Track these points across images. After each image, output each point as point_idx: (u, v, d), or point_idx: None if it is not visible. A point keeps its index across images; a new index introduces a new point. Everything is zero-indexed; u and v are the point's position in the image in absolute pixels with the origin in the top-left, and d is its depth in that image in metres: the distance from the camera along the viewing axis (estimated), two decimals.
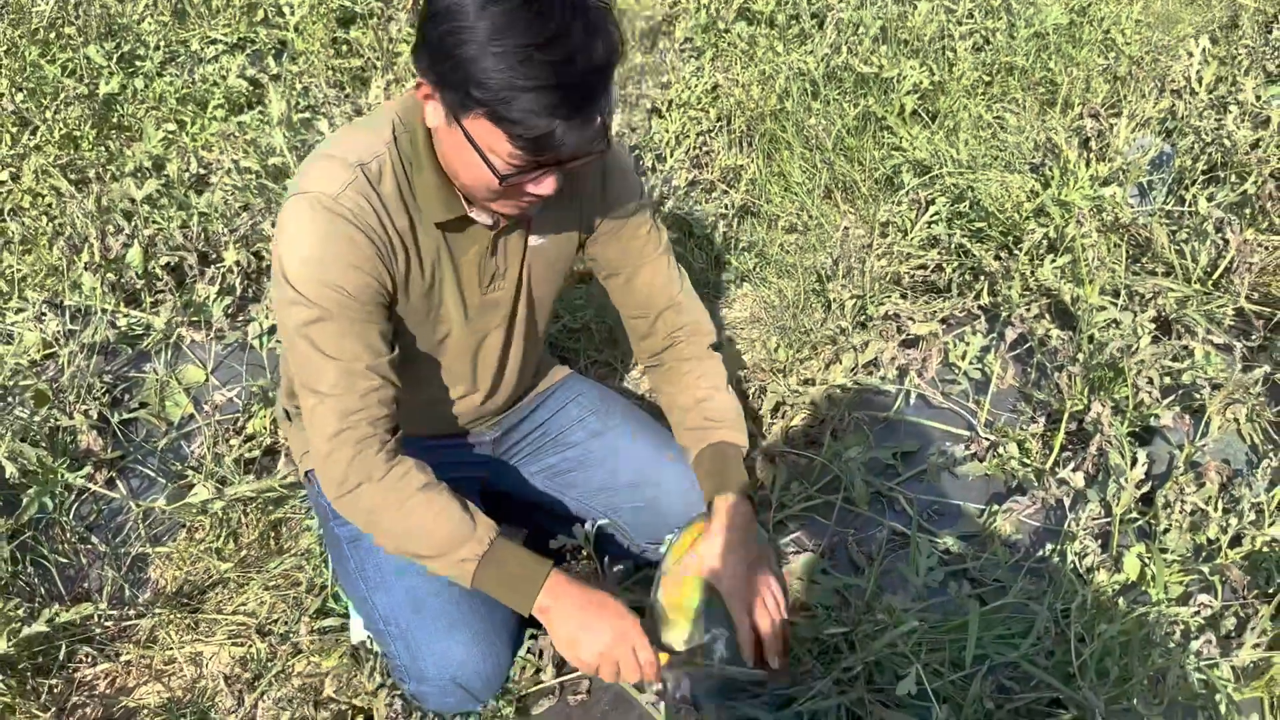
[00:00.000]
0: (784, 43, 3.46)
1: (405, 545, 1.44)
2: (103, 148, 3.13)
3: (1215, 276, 2.22)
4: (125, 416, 2.16)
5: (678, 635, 1.50)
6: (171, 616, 1.88)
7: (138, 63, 3.57)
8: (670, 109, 3.20)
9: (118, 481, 2.07)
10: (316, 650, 1.81)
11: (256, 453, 2.11)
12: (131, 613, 1.89)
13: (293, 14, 3.74)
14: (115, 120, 3.29)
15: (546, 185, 1.30)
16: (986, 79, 3.28)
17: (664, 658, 1.46)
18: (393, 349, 1.43)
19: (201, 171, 2.91)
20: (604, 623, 1.43)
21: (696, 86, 3.20)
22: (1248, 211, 2.42)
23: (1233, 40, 3.35)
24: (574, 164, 1.28)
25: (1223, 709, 1.43)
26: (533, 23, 1.15)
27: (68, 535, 1.97)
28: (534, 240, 1.55)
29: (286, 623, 1.87)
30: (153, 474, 2.09)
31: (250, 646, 1.83)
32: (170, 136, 3.15)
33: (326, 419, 1.39)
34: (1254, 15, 3.56)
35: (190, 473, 2.08)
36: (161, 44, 3.68)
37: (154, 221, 2.57)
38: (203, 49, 3.70)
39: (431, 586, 1.55)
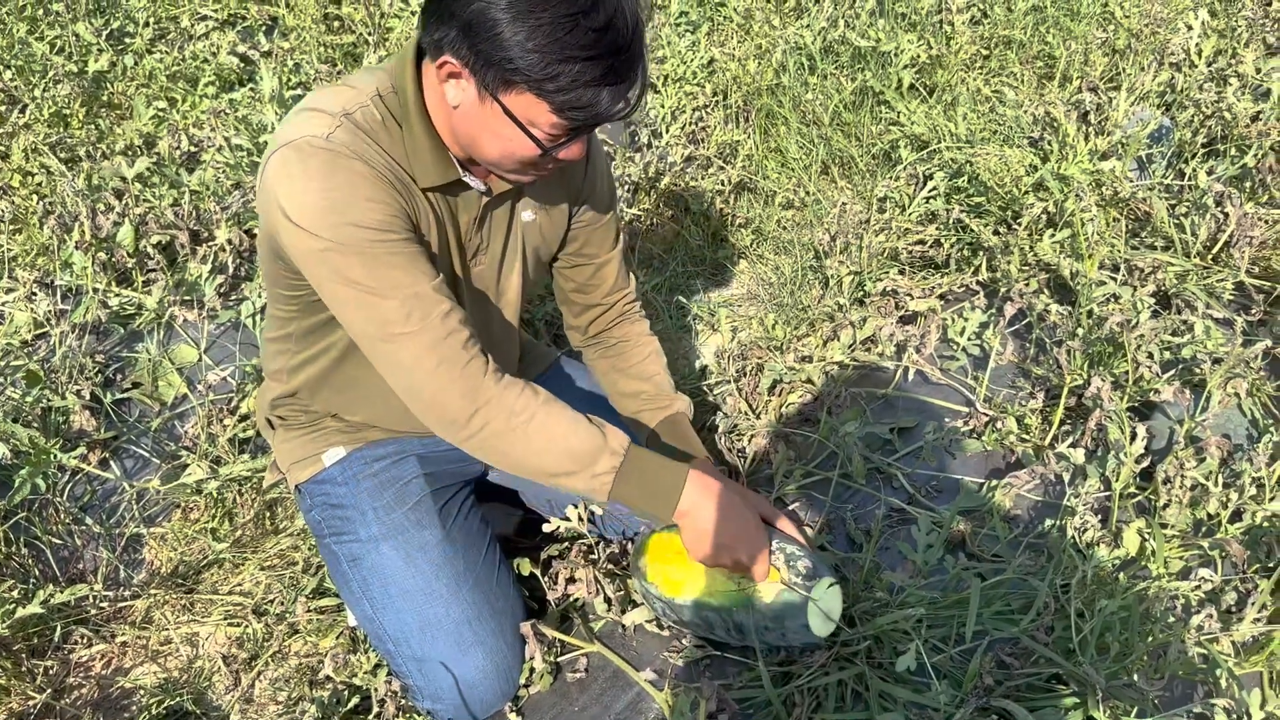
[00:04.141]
0: (780, 16, 3.43)
1: (540, 464, 1.36)
2: (93, 126, 3.10)
3: (1215, 251, 2.20)
4: (118, 396, 2.14)
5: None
6: (167, 597, 1.88)
7: (127, 40, 3.54)
8: (666, 84, 3.17)
9: (111, 462, 2.06)
10: (313, 630, 1.80)
11: (251, 432, 2.09)
12: (126, 593, 1.89)
13: None
14: (105, 98, 3.26)
15: (575, 150, 1.29)
16: (984, 53, 3.26)
17: (775, 575, 1.46)
18: (439, 272, 1.34)
19: (193, 149, 2.88)
20: (737, 541, 1.42)
21: (692, 61, 3.17)
22: (1248, 185, 2.40)
23: (1232, 12, 3.32)
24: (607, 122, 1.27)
25: (1223, 683, 1.42)
26: None
27: (61, 516, 1.96)
28: (526, 216, 1.53)
29: (283, 602, 1.86)
30: (146, 454, 2.08)
31: (246, 627, 1.83)
32: (161, 114, 3.12)
33: (415, 358, 1.29)
34: None
35: (184, 453, 2.07)
36: (151, 20, 3.65)
37: (145, 200, 2.54)
38: (193, 25, 3.66)
39: (441, 606, 1.54)
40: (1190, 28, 3.02)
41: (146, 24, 3.61)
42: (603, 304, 1.77)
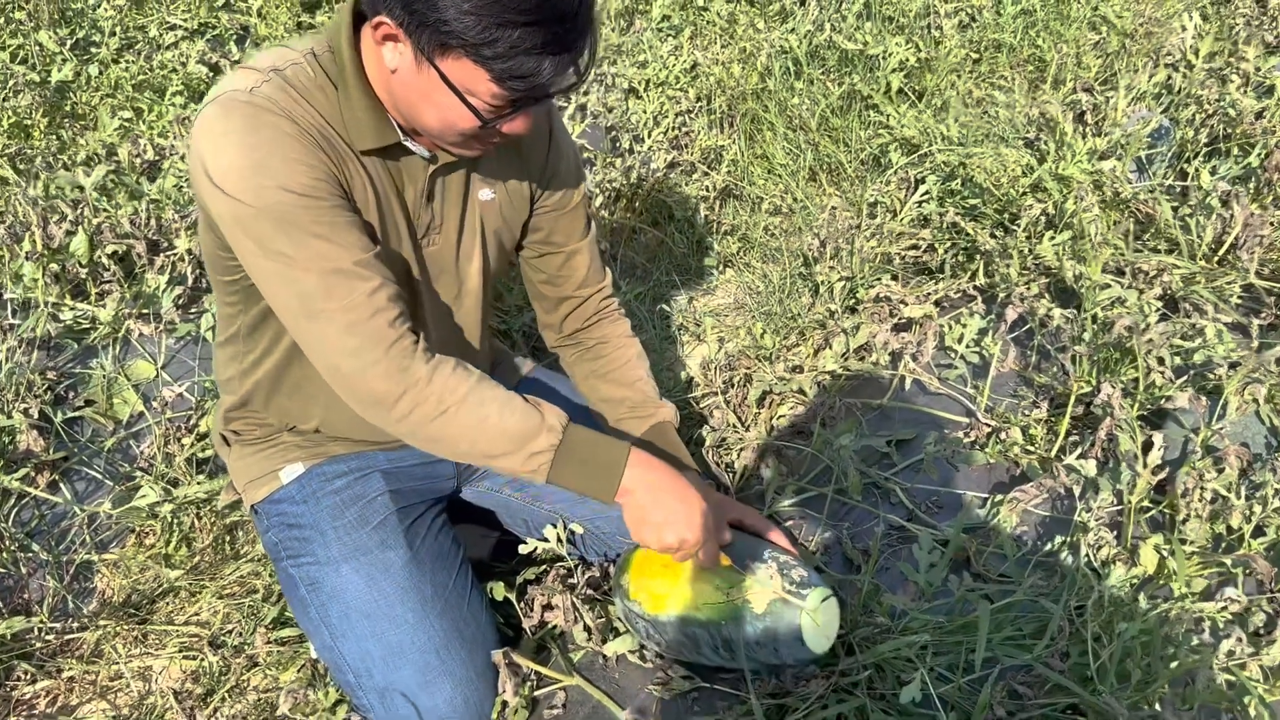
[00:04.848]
0: (765, 20, 3.35)
1: (474, 446, 1.28)
2: (54, 136, 2.99)
3: (1221, 253, 2.11)
4: (69, 415, 2.03)
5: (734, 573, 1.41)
6: (118, 628, 1.77)
7: (92, 49, 3.44)
8: (648, 89, 3.08)
9: (61, 484, 1.95)
10: (273, 663, 1.69)
11: (210, 452, 1.98)
12: (75, 625, 1.78)
13: None
14: (68, 108, 3.15)
15: (520, 124, 1.21)
16: (974, 56, 3.18)
17: (725, 560, 1.39)
18: (376, 244, 1.26)
19: (155, 158, 2.77)
20: (679, 517, 1.33)
21: (675, 65, 3.08)
22: (1252, 184, 2.31)
23: (1226, 13, 3.25)
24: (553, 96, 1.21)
25: (1252, 712, 1.31)
26: None
27: (6, 543, 1.84)
28: (484, 195, 1.43)
29: (241, 633, 1.76)
30: (99, 476, 1.96)
31: (202, 659, 1.73)
32: (126, 125, 3.01)
33: (336, 339, 1.21)
34: None
35: (139, 474, 1.95)
36: (118, 30, 3.55)
37: (103, 209, 2.43)
38: (161, 35, 3.57)
39: (406, 633, 1.42)
40: (1185, 29, 2.95)
41: (113, 33, 3.51)
42: (575, 297, 1.67)
